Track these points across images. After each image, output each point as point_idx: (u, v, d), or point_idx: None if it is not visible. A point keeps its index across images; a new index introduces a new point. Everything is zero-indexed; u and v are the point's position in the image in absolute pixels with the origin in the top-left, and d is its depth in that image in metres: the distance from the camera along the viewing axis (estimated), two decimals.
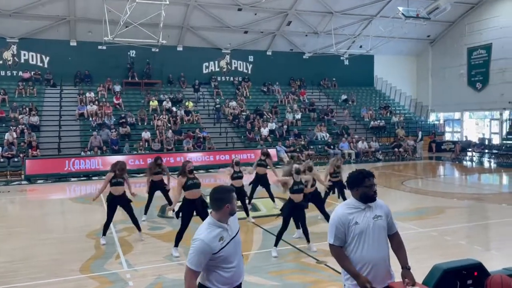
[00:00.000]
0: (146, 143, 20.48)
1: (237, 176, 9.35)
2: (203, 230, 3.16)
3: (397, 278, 3.44)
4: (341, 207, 3.45)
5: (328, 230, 3.44)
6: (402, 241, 3.49)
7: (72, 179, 17.18)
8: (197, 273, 3.09)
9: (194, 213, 7.31)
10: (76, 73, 24.32)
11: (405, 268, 3.33)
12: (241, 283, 3.36)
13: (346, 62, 29.59)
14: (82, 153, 19.02)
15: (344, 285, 3.49)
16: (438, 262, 3.46)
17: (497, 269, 3.62)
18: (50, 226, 10.01)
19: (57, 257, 7.22)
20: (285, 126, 23.78)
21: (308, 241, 7.37)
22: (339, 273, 6.18)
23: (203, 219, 6.74)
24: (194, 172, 7.50)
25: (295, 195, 7.22)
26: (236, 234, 3.31)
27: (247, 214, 9.66)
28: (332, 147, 22.25)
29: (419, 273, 4.06)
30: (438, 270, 3.34)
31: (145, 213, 9.78)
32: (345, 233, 3.33)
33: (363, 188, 3.37)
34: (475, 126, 29.55)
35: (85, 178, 17.35)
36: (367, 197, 3.36)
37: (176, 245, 7.19)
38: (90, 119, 21.72)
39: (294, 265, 6.74)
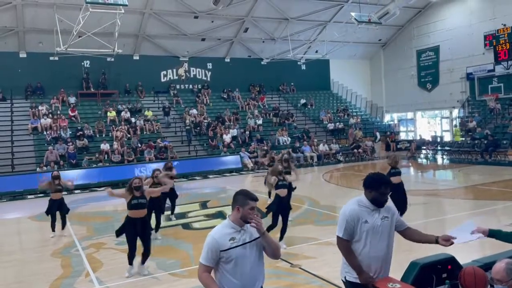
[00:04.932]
0: (106, 155, 19.94)
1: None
2: (216, 228, 3.26)
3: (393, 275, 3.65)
4: (353, 203, 3.58)
5: (338, 223, 3.56)
6: (416, 229, 3.74)
7: (29, 196, 16.42)
8: (206, 267, 3.14)
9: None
10: (27, 86, 23.32)
11: (436, 236, 3.56)
12: None
13: (303, 67, 30.17)
14: (38, 169, 18.23)
15: (345, 277, 3.61)
16: (407, 257, 3.63)
17: (467, 261, 3.83)
18: (9, 247, 9.49)
19: (22, 279, 6.89)
20: (247, 132, 23.89)
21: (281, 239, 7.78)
22: (314, 275, 6.33)
23: (142, 240, 6.77)
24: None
25: (281, 190, 8.01)
26: (254, 240, 3.23)
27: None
28: (297, 151, 22.57)
29: (393, 269, 4.22)
30: (415, 266, 3.50)
31: (53, 230, 9.68)
32: (354, 228, 3.47)
33: (377, 193, 3.51)
34: (427, 125, 30.94)
35: (42, 195, 16.58)
36: (377, 202, 3.52)
37: (130, 263, 6.87)
38: (45, 133, 20.88)
39: (269, 271, 6.74)
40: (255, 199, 3.23)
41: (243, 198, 3.21)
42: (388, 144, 23.92)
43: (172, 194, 10.61)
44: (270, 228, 7.60)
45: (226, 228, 3.21)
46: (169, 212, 11.04)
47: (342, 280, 3.68)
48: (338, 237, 3.54)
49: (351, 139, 24.52)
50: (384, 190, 3.51)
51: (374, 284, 3.35)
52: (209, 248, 3.13)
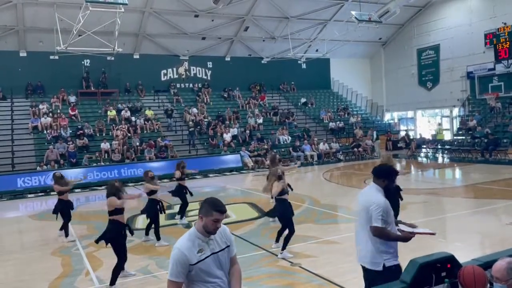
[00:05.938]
0: (106, 154, 19.94)
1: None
2: (182, 239, 3.03)
3: None
4: (379, 195, 3.90)
5: (373, 214, 3.80)
6: None
7: (29, 195, 16.43)
8: (176, 283, 2.95)
9: None
10: (27, 85, 23.32)
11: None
12: None
13: (304, 66, 30.16)
14: (38, 168, 18.25)
15: (384, 265, 3.82)
16: (408, 256, 3.63)
17: (467, 260, 3.82)
18: (9, 246, 9.53)
19: (22, 278, 6.90)
20: (248, 131, 23.87)
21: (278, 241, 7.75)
22: (314, 274, 6.34)
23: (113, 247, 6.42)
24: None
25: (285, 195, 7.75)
26: (222, 250, 3.08)
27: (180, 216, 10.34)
28: (298, 150, 22.57)
29: None
30: (414, 264, 3.47)
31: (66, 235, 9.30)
32: (387, 217, 3.84)
33: (390, 182, 3.95)
34: (427, 124, 30.91)
35: (42, 194, 16.63)
36: (388, 190, 3.92)
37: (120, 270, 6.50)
38: (45, 132, 20.89)
39: (270, 269, 6.79)
40: (222, 211, 2.98)
41: (207, 207, 2.98)
42: (408, 143, 24.11)
43: (182, 194, 10.40)
44: (289, 235, 7.36)
45: (192, 239, 2.99)
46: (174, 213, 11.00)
47: (377, 270, 3.83)
48: (376, 227, 3.77)
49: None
50: (395, 178, 4.02)
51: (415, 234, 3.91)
52: (177, 262, 2.92)
